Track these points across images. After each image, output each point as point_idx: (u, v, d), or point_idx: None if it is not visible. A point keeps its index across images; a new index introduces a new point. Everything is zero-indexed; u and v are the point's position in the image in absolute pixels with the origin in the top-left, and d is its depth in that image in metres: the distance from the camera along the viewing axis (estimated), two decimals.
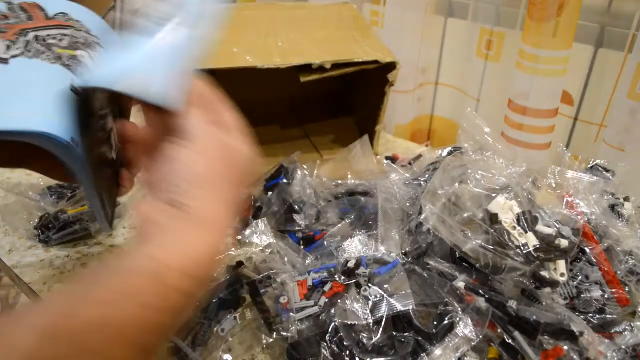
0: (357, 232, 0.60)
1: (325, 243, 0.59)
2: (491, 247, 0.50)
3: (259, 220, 0.58)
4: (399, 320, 0.48)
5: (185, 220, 0.34)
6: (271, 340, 0.49)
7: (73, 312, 0.27)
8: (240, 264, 0.57)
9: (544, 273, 0.51)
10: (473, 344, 0.46)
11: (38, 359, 0.25)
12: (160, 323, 0.30)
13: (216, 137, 0.38)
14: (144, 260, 0.31)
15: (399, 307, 0.46)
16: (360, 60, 0.70)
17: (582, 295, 0.52)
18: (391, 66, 0.73)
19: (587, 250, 0.54)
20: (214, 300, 0.52)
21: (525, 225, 0.52)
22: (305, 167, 0.69)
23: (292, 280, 0.53)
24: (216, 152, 0.37)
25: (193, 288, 0.32)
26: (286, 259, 0.57)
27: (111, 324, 0.27)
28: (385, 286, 0.49)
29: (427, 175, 0.65)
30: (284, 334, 0.48)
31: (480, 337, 0.46)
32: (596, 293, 0.52)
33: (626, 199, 0.62)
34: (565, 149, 0.65)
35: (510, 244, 0.51)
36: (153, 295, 0.29)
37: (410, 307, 0.46)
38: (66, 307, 0.28)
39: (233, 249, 0.58)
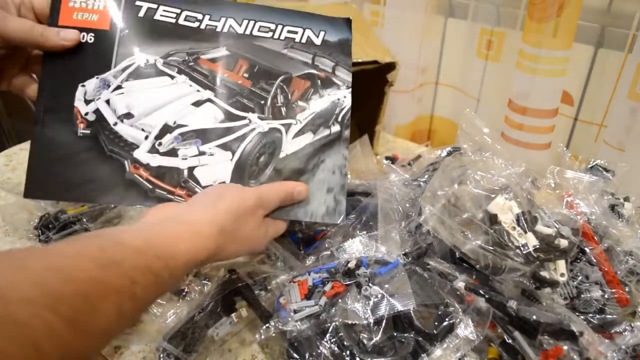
0: (358, 233, 0.60)
1: (326, 243, 0.59)
2: (491, 248, 0.50)
3: None
4: (399, 321, 0.48)
5: (183, 222, 0.42)
6: (269, 333, 0.49)
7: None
8: (231, 271, 0.57)
9: (543, 273, 0.51)
10: (473, 344, 0.46)
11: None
12: (133, 294, 0.34)
13: (256, 197, 0.48)
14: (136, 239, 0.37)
15: (400, 307, 0.46)
16: (359, 60, 0.70)
17: (582, 295, 0.52)
18: (390, 66, 0.73)
19: (587, 250, 0.54)
20: (207, 307, 0.52)
21: (525, 225, 0.52)
22: None
23: (289, 281, 0.53)
24: (244, 203, 0.46)
25: (166, 275, 0.37)
26: (280, 258, 0.57)
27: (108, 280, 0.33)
28: (386, 286, 0.49)
29: (426, 176, 0.65)
30: (281, 327, 0.48)
31: (481, 337, 0.46)
32: (596, 293, 0.52)
33: (626, 199, 0.62)
34: (565, 149, 0.65)
35: (510, 244, 0.51)
36: (134, 269, 0.35)
37: (411, 307, 0.46)
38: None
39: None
